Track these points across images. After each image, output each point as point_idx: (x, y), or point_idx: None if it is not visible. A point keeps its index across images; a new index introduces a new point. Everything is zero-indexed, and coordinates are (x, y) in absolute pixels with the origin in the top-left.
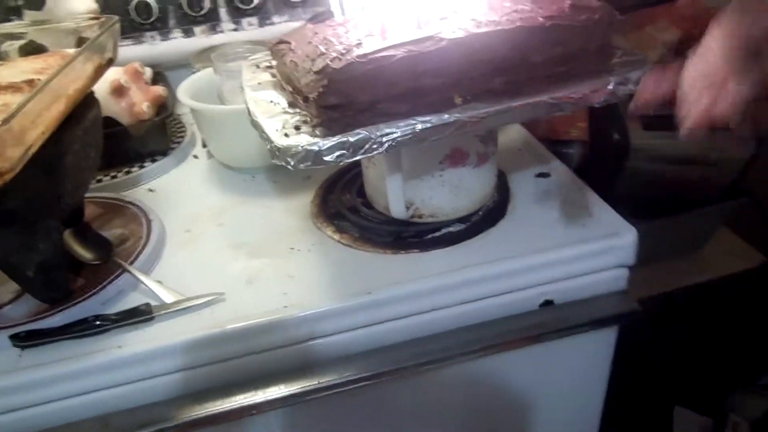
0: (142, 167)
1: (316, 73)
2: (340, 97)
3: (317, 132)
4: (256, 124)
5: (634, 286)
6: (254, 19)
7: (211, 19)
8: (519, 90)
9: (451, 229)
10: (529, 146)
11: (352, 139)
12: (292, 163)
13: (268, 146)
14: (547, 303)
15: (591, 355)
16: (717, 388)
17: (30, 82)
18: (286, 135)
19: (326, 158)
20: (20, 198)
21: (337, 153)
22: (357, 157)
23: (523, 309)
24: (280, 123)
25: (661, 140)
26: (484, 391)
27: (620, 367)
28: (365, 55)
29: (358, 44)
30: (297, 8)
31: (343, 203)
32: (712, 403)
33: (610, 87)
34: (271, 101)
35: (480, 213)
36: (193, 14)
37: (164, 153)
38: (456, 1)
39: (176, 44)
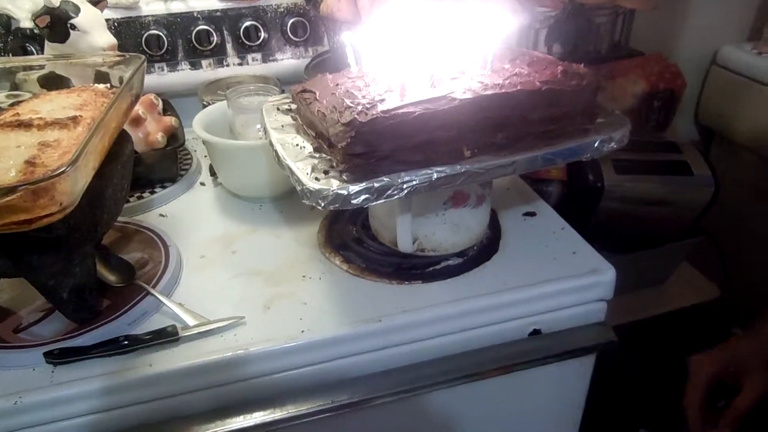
0: (153, 193)
1: (345, 125)
2: (365, 147)
3: (344, 177)
4: (285, 167)
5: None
6: (258, 55)
7: (217, 54)
8: (518, 144)
9: (450, 262)
10: (516, 186)
11: (376, 185)
12: (323, 205)
13: (299, 188)
14: (536, 332)
15: (572, 380)
16: (678, 411)
17: (74, 119)
18: (317, 179)
19: (353, 201)
20: (66, 227)
21: (363, 197)
22: (380, 201)
23: (513, 337)
24: (309, 167)
25: (630, 182)
26: (475, 413)
27: (594, 391)
28: (388, 111)
29: (381, 100)
30: (299, 46)
31: (349, 235)
32: (674, 425)
33: (597, 144)
34: (297, 145)
35: (475, 248)
36: (201, 48)
37: (173, 180)
38: (462, 62)
39: (183, 75)
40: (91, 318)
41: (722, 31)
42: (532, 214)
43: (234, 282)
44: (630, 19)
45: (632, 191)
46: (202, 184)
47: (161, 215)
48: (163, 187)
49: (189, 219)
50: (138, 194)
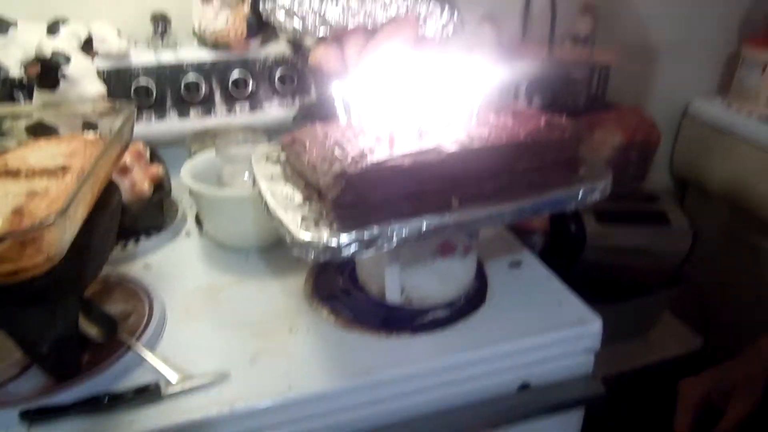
0: (137, 243)
1: (335, 175)
2: (355, 197)
3: (334, 227)
4: (275, 217)
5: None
6: (246, 105)
7: (205, 103)
8: (505, 194)
9: (437, 313)
10: (501, 236)
11: (366, 236)
12: (313, 255)
13: (289, 239)
14: (524, 386)
15: None
16: None
17: (63, 168)
18: (307, 229)
19: (344, 252)
20: (50, 278)
21: (354, 248)
22: (370, 252)
23: (502, 391)
24: (299, 217)
25: (611, 232)
26: None
27: None
28: (378, 162)
29: (371, 150)
30: (286, 97)
31: (336, 285)
32: None
33: (581, 195)
34: (287, 195)
35: (462, 299)
36: (190, 98)
37: (159, 229)
38: (448, 114)
39: (171, 124)
40: (72, 374)
41: (692, 85)
42: (517, 264)
43: (219, 334)
44: (606, 74)
45: (613, 241)
46: (188, 233)
47: (145, 266)
48: (148, 237)
49: (174, 269)
50: (122, 244)
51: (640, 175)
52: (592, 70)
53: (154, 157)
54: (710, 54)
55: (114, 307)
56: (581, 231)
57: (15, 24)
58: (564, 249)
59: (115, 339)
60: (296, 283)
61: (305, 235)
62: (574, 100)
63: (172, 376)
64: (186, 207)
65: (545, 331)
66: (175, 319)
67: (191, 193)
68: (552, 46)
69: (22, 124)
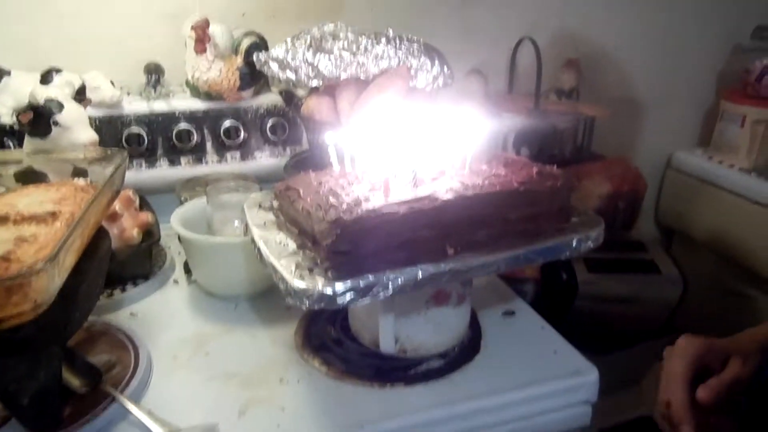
0: (124, 290)
1: (330, 222)
2: (350, 245)
3: (329, 275)
4: (269, 264)
5: None
6: (237, 153)
7: (197, 151)
8: (499, 242)
9: (432, 364)
10: (493, 284)
11: (362, 284)
12: (308, 304)
13: (283, 287)
14: None
15: None
16: None
17: (53, 214)
18: (301, 277)
19: (339, 300)
20: (35, 326)
21: (349, 296)
22: (365, 300)
23: None
24: (293, 264)
25: (602, 281)
26: None
27: None
28: (374, 210)
29: (366, 198)
30: (278, 145)
31: (328, 335)
32: None
33: (575, 243)
34: (280, 242)
35: (456, 349)
36: (181, 146)
37: (146, 277)
38: (442, 162)
39: (161, 172)
40: (53, 428)
41: (675, 137)
42: (511, 313)
43: (207, 385)
44: (591, 125)
45: (604, 289)
46: (176, 281)
47: (131, 314)
48: (135, 285)
49: (161, 318)
50: (108, 292)
51: (628, 224)
52: (578, 122)
53: (144, 205)
54: (691, 107)
55: (98, 356)
56: (573, 279)
57: (9, 73)
58: (556, 298)
59: (98, 390)
60: (286, 332)
61: (300, 283)
62: (561, 151)
63: (159, 430)
64: (174, 254)
65: (542, 383)
66: (161, 370)
67: (181, 240)
68: (538, 99)
69: (12, 170)
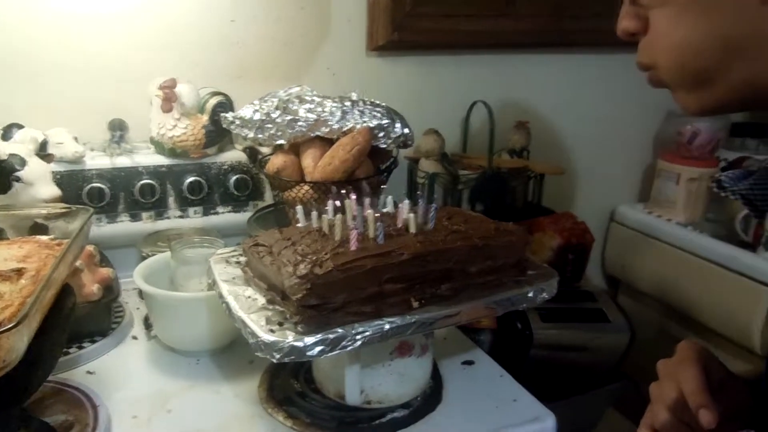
0: (81, 348)
1: (300, 277)
2: (319, 299)
3: (299, 328)
4: (238, 319)
5: None
6: (200, 209)
7: (158, 206)
8: (461, 295)
9: (395, 414)
10: (452, 334)
11: (331, 337)
12: (278, 357)
13: (253, 341)
14: None
15: None
16: None
17: (18, 271)
18: (272, 331)
19: (308, 353)
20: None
21: (318, 349)
22: (335, 353)
23: None
24: (263, 319)
25: (555, 330)
26: None
27: None
28: (342, 264)
29: (334, 253)
30: (240, 201)
31: (291, 388)
32: None
33: (531, 295)
34: (249, 297)
35: (419, 399)
36: (143, 201)
37: (104, 334)
38: (403, 217)
39: (122, 227)
40: None
41: (617, 193)
42: (470, 362)
43: None
44: (541, 182)
45: (557, 338)
46: (134, 337)
47: (89, 372)
48: (92, 342)
49: (120, 376)
50: (64, 350)
51: (578, 275)
52: (528, 177)
53: (103, 260)
54: (631, 166)
55: (55, 417)
56: (528, 329)
57: None
58: (512, 347)
59: None
60: (250, 387)
61: (270, 337)
62: (513, 206)
63: None
64: (133, 310)
65: (503, 430)
66: (122, 430)
67: (143, 295)
68: (491, 157)
69: None
